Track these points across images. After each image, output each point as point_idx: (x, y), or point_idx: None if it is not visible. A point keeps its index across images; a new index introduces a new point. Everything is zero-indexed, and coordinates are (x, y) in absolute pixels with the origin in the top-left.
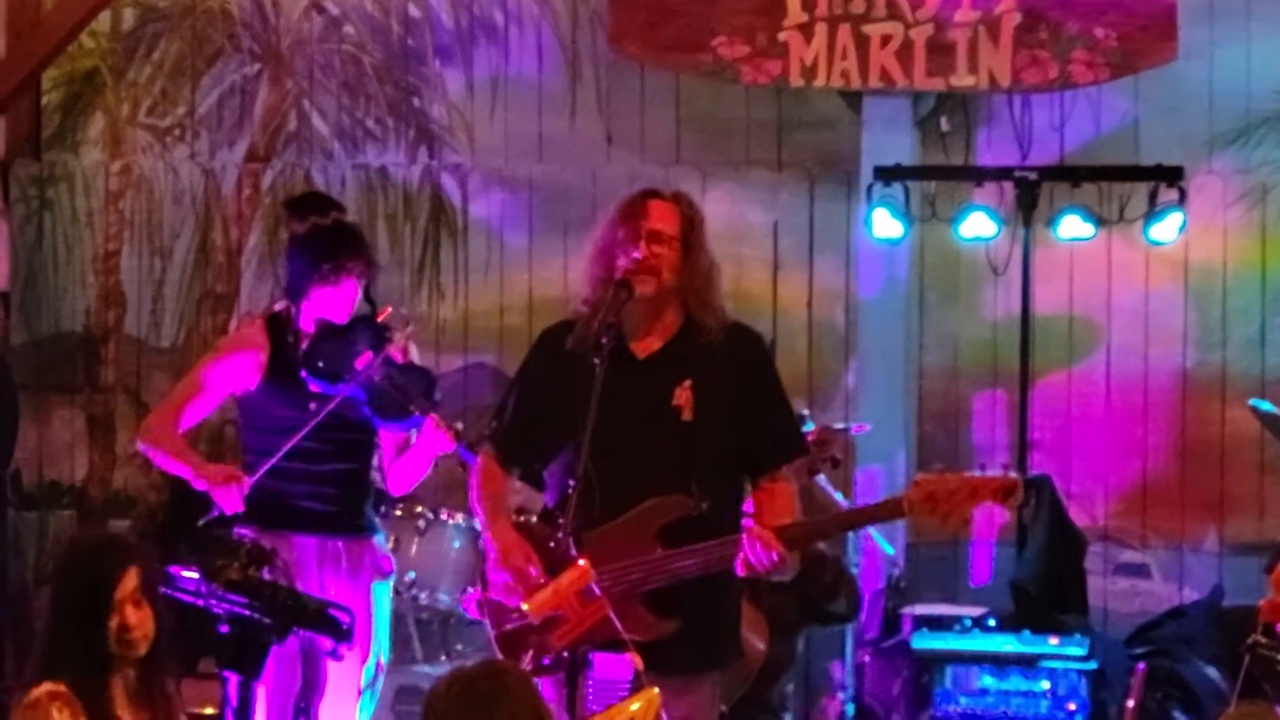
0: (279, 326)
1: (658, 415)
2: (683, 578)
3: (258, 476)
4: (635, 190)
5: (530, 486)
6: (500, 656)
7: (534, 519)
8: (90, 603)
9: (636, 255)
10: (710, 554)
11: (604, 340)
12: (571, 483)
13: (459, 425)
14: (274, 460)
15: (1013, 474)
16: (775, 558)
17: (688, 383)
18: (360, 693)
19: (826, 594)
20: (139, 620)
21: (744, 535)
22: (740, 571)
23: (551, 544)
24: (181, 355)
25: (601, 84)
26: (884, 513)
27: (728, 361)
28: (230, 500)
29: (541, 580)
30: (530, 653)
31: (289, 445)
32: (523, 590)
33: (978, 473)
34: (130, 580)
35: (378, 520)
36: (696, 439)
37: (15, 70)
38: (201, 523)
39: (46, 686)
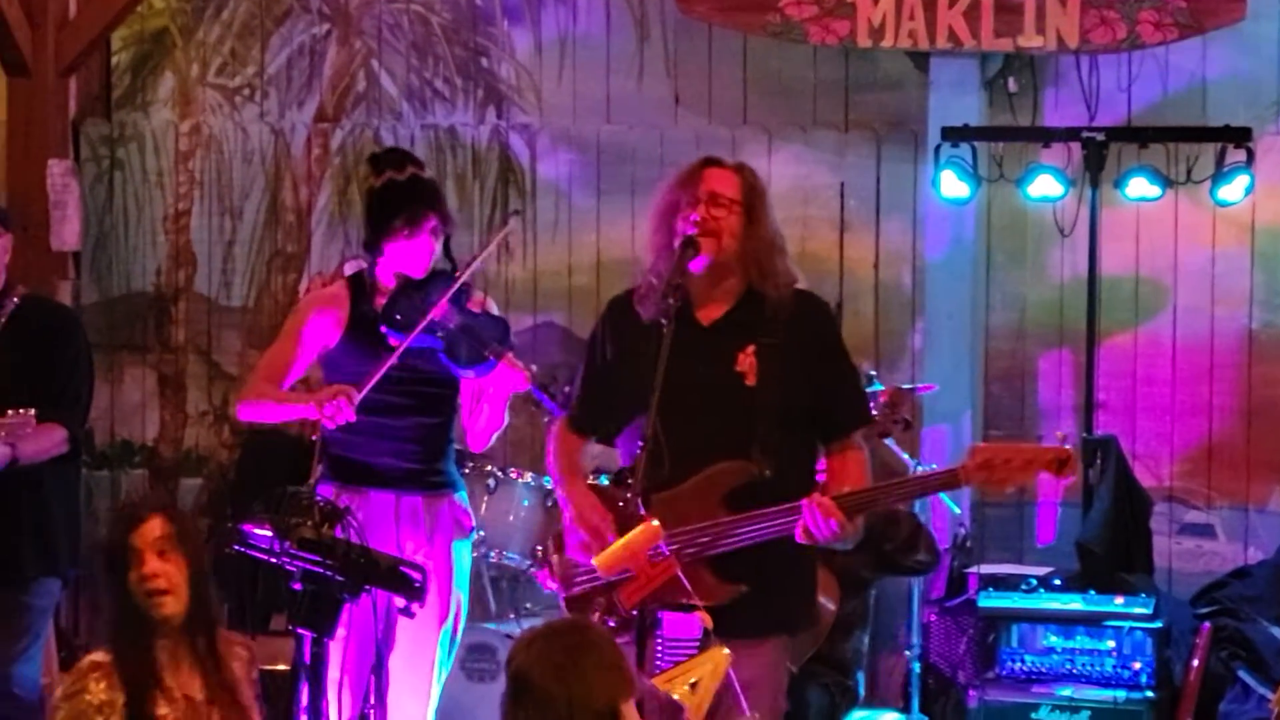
0: (360, 283)
1: (721, 381)
2: (746, 543)
3: (365, 392)
4: (696, 159)
5: (608, 447)
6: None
7: (607, 482)
8: (116, 556)
9: (695, 217)
10: (772, 520)
11: (671, 301)
12: (639, 443)
13: (534, 367)
14: (375, 379)
15: (1068, 445)
16: (835, 526)
17: (751, 348)
18: (437, 650)
19: (907, 547)
20: (162, 570)
21: (804, 503)
22: (800, 538)
23: (621, 504)
24: (252, 315)
25: (669, 45)
26: (941, 482)
27: (792, 328)
28: (343, 412)
29: (612, 540)
30: (598, 614)
31: (380, 373)
32: (598, 548)
33: (1033, 443)
34: (154, 528)
35: (459, 477)
36: (759, 404)
37: (85, 30)
38: (322, 465)
39: (92, 656)
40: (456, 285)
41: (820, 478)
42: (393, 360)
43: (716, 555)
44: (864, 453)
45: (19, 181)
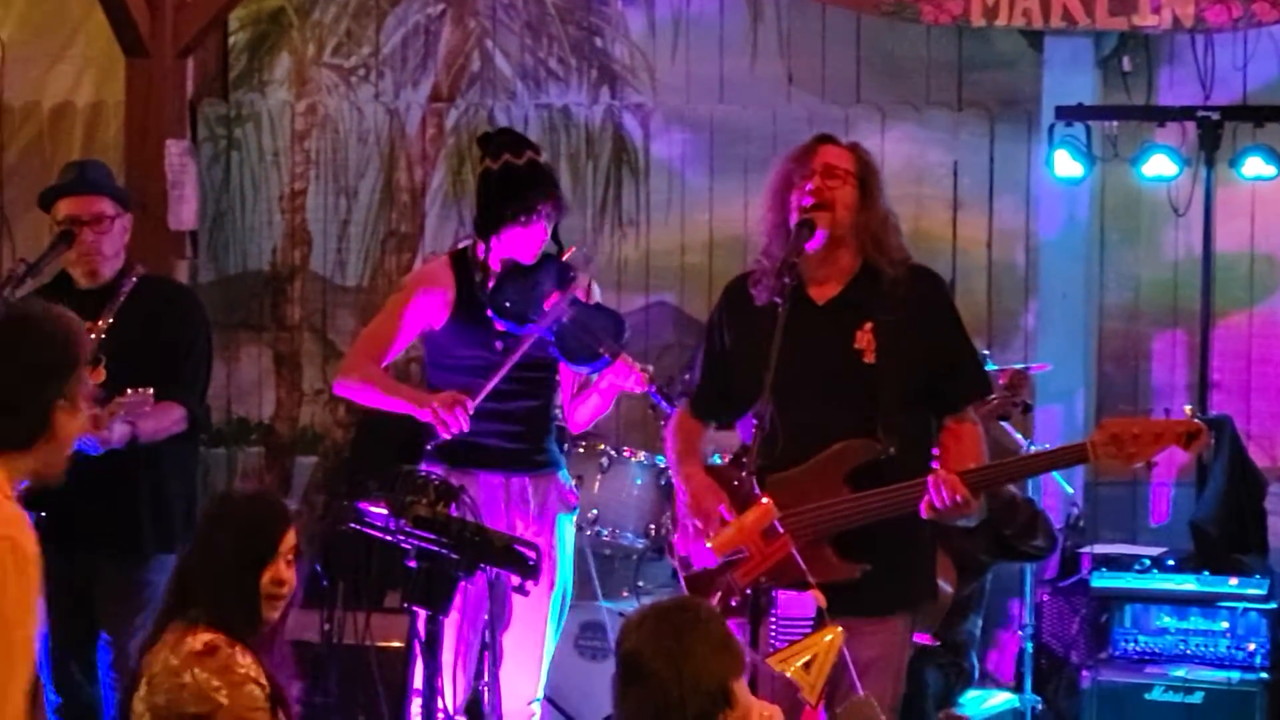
0: (465, 264)
1: (840, 359)
2: (870, 521)
3: (479, 399)
4: (810, 137)
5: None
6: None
7: (725, 462)
8: (252, 552)
9: (811, 187)
10: (897, 497)
11: (786, 280)
12: (753, 422)
13: (650, 368)
14: (486, 392)
15: (1197, 418)
16: (960, 500)
17: (868, 326)
18: (548, 626)
19: (1025, 532)
20: (290, 578)
21: (929, 478)
22: (924, 514)
23: (735, 483)
24: (366, 294)
25: (782, 24)
26: (1069, 457)
27: (908, 303)
28: (459, 422)
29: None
30: (719, 595)
31: (492, 384)
32: (712, 535)
33: (1162, 416)
34: (291, 538)
35: (561, 455)
36: (880, 381)
37: (202, 11)
38: (431, 446)
39: (205, 636)
40: (571, 290)
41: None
42: (509, 366)
43: (839, 534)
44: (979, 426)
45: (137, 162)
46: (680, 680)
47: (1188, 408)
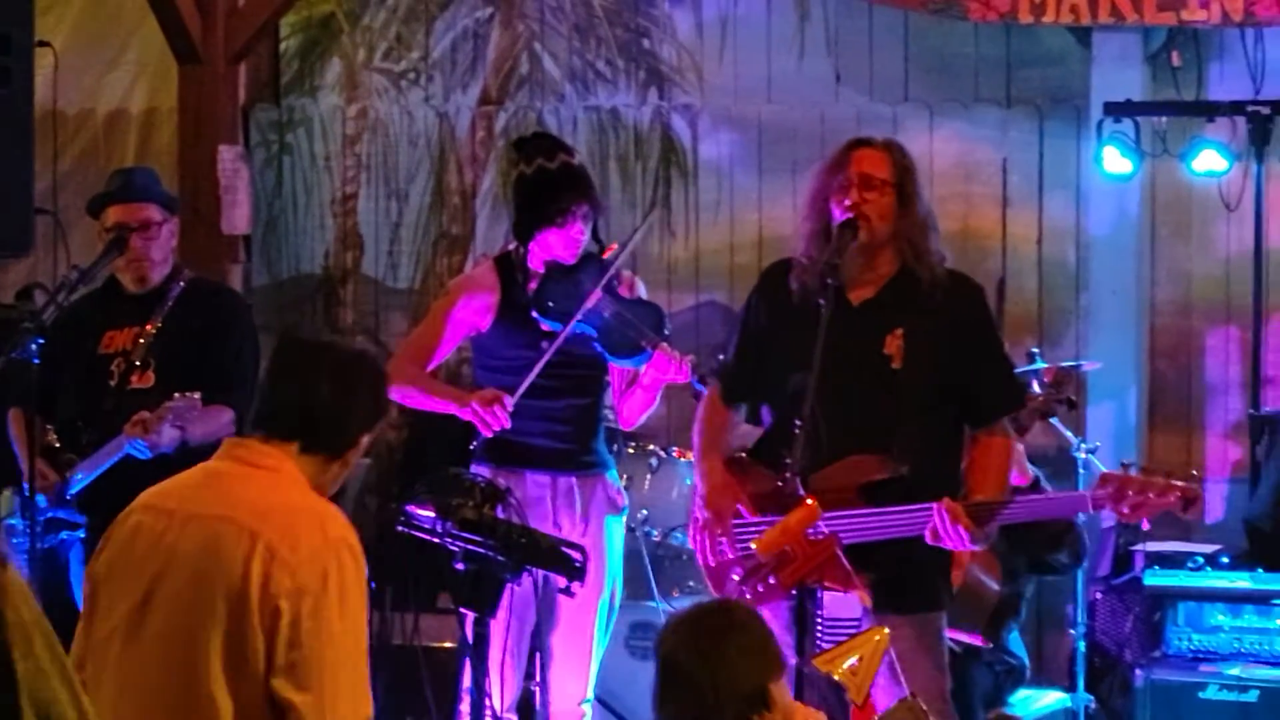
0: (509, 267)
1: (869, 362)
2: (875, 538)
3: (518, 396)
4: (844, 142)
5: (750, 424)
6: (709, 585)
7: (746, 454)
8: None
9: (849, 201)
10: (904, 519)
11: (828, 281)
12: (798, 422)
13: (692, 357)
14: (526, 385)
15: (1197, 485)
16: (963, 532)
17: (899, 331)
18: (595, 627)
19: (1051, 544)
20: None
21: (935, 506)
22: (928, 540)
23: (779, 484)
24: (418, 296)
25: (830, 23)
26: (1069, 505)
27: (943, 311)
28: (498, 419)
29: (748, 518)
30: (735, 583)
31: (530, 377)
32: (721, 530)
33: (1163, 478)
34: None
35: (610, 456)
36: (904, 388)
37: (254, 17)
38: (475, 444)
39: None
40: (608, 276)
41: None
42: (544, 361)
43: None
44: (1010, 440)
45: (190, 167)
46: (715, 685)
47: (1194, 471)
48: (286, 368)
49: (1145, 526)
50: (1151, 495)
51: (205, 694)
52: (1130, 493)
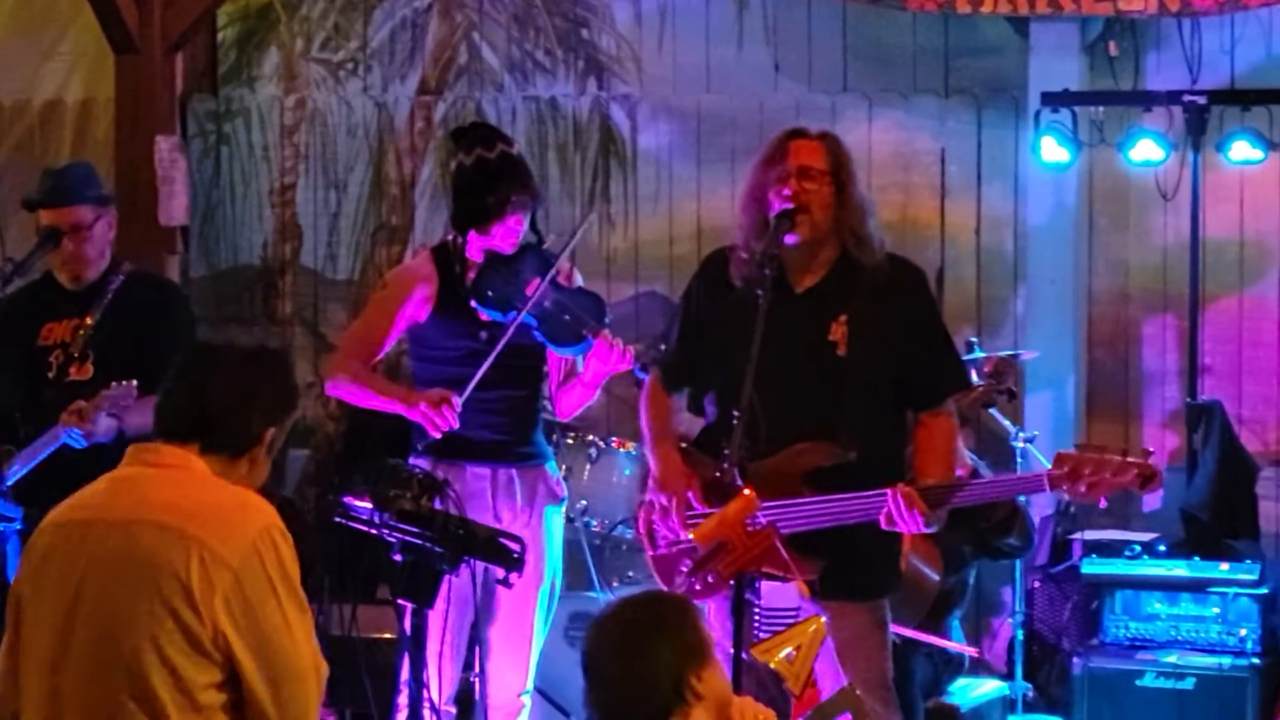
0: (446, 257)
1: (813, 349)
2: (827, 525)
3: (467, 394)
4: (780, 132)
5: (692, 413)
6: (656, 577)
7: (690, 445)
8: None
9: (787, 192)
10: (857, 505)
11: (766, 272)
12: (736, 413)
13: (635, 346)
14: (474, 382)
15: (1154, 461)
16: (918, 516)
17: (843, 317)
18: (535, 618)
19: (1000, 529)
20: None
21: (889, 491)
22: (884, 525)
23: (717, 474)
24: (358, 287)
25: (769, 13)
26: (1026, 485)
27: (886, 296)
28: (447, 420)
29: (700, 509)
30: (683, 575)
31: (480, 374)
32: (678, 517)
33: (1119, 455)
34: None
35: (549, 447)
36: (849, 374)
37: (191, 7)
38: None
39: None
40: (553, 270)
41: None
42: (494, 355)
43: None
44: (954, 420)
45: (127, 158)
46: (632, 678)
47: (1148, 448)
48: (181, 372)
49: (1102, 505)
50: (1108, 474)
51: (148, 699)
52: (1087, 471)
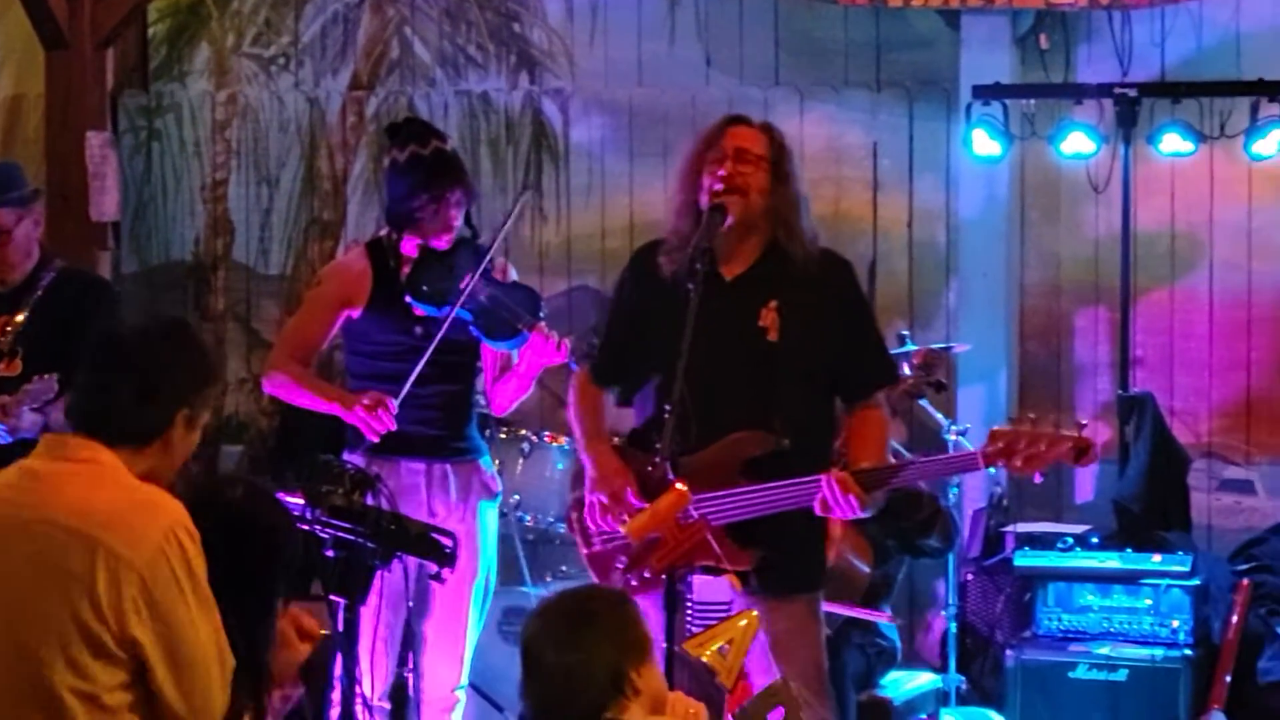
0: (381, 252)
1: (744, 336)
2: (763, 513)
3: (403, 395)
4: (719, 118)
5: (620, 406)
6: (592, 575)
7: (622, 441)
8: None
9: (723, 172)
10: (792, 492)
11: (698, 266)
12: (667, 407)
13: (569, 339)
14: (410, 382)
15: (1087, 434)
16: (854, 501)
17: (774, 304)
18: (469, 614)
19: (921, 528)
20: None
21: (823, 477)
22: (818, 511)
23: (649, 468)
24: (290, 283)
25: (700, 7)
26: (960, 464)
27: (816, 286)
28: (384, 423)
29: (638, 505)
30: (619, 572)
31: (416, 370)
32: (618, 514)
33: (1052, 429)
34: None
35: (484, 442)
36: (781, 360)
37: (122, 3)
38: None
39: None
40: (484, 262)
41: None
42: (429, 352)
43: (733, 522)
44: (884, 411)
45: (58, 153)
46: (572, 671)
47: (1082, 421)
48: (86, 364)
49: (1038, 479)
50: (1043, 447)
51: (54, 700)
52: (1021, 446)
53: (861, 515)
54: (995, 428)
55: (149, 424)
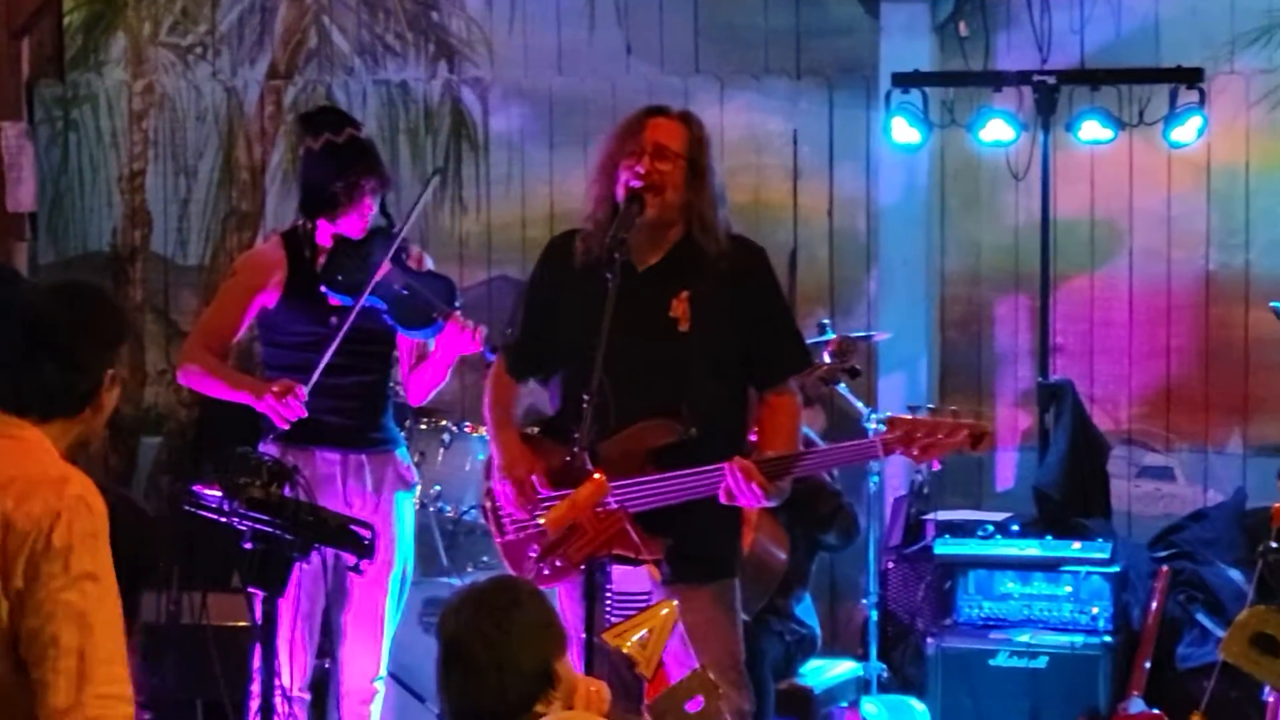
0: (295, 242)
1: (656, 326)
2: (670, 501)
3: (312, 383)
4: (640, 108)
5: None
6: (505, 564)
7: (537, 431)
8: None
9: (640, 169)
10: (696, 481)
11: (615, 256)
12: (585, 396)
13: (484, 328)
14: (318, 372)
15: (985, 422)
16: (756, 489)
17: (685, 294)
18: (387, 604)
19: (821, 524)
20: None
21: (725, 466)
22: (723, 499)
23: (568, 458)
24: (208, 273)
25: None
26: (861, 452)
27: (728, 275)
28: (294, 411)
29: (544, 493)
30: (532, 560)
31: (326, 358)
32: (524, 501)
33: (950, 417)
34: None
35: (400, 433)
36: (692, 350)
37: None
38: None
39: None
40: (395, 245)
41: (752, 433)
42: (338, 340)
43: (641, 510)
44: (797, 399)
45: None
46: (500, 665)
47: (979, 410)
48: (2, 345)
49: (936, 467)
50: (941, 435)
51: None
52: (919, 434)
53: (767, 504)
54: (893, 415)
55: (79, 393)
